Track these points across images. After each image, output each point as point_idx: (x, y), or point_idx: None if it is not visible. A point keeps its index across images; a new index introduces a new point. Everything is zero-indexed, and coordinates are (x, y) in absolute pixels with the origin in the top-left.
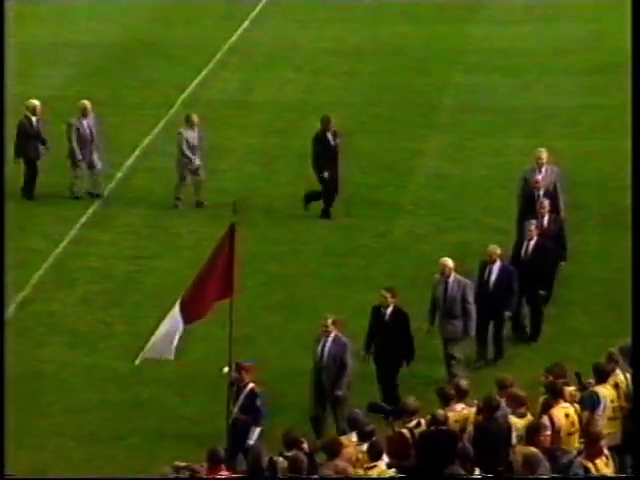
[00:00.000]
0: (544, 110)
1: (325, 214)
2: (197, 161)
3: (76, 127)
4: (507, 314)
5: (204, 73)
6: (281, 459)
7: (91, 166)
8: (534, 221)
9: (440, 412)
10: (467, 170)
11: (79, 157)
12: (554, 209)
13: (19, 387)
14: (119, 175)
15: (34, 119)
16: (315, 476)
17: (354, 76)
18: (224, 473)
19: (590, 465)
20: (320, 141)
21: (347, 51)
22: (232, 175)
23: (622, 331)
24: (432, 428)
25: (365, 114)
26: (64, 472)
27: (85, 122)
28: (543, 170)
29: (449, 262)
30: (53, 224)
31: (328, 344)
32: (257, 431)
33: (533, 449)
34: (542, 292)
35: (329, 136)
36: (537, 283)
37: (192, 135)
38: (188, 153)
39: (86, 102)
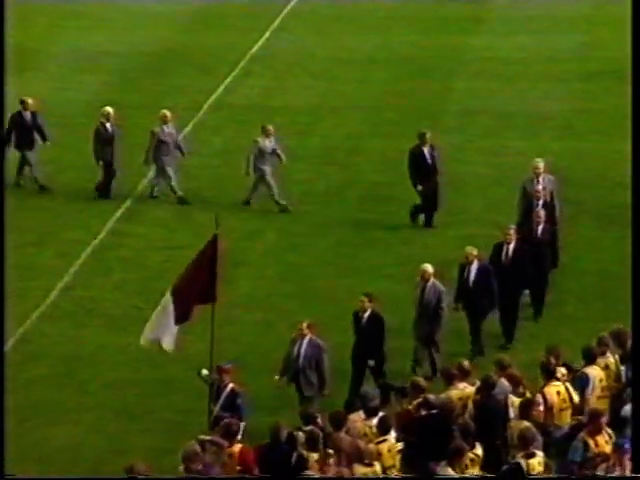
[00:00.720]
0: (540, 114)
1: (428, 224)
2: (267, 168)
3: (158, 135)
4: (486, 313)
5: (229, 80)
6: (300, 433)
7: (163, 172)
8: (513, 226)
9: (430, 396)
10: (469, 169)
11: (152, 162)
12: (549, 219)
13: (60, 366)
14: (151, 173)
15: (108, 125)
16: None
17: (366, 83)
18: (238, 446)
19: (591, 441)
20: (415, 156)
21: (360, 60)
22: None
23: (612, 317)
24: (423, 413)
25: (376, 118)
26: (100, 445)
27: (166, 129)
28: (541, 179)
29: (429, 268)
30: (92, 218)
31: (304, 346)
32: (242, 425)
33: (527, 424)
34: (526, 291)
35: (425, 151)
36: (516, 284)
37: (266, 144)
38: (257, 161)
39: (167, 111)
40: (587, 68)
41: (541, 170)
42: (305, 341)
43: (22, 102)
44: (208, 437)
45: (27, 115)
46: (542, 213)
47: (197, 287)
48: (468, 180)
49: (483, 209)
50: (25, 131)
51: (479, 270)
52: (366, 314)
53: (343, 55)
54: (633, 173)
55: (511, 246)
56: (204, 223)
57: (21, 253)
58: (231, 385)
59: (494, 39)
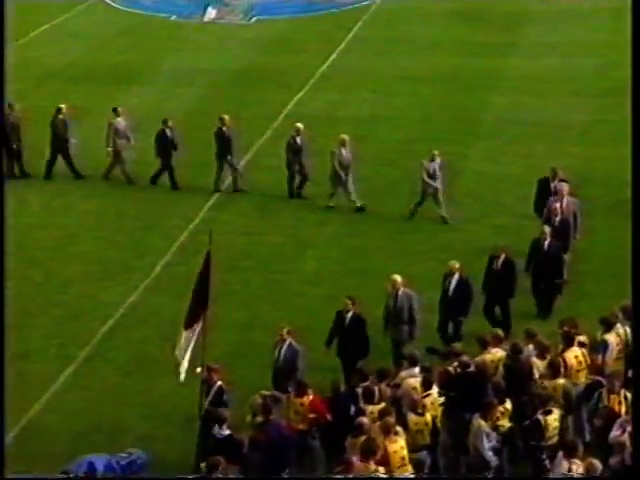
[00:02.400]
0: (562, 124)
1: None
2: (435, 184)
3: (337, 156)
4: (461, 319)
5: (301, 94)
6: (358, 389)
7: (345, 190)
8: (502, 245)
9: (465, 358)
10: (503, 169)
11: (342, 178)
12: (560, 235)
13: (161, 329)
14: (238, 168)
15: (298, 138)
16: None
17: (416, 97)
18: (309, 398)
19: (605, 396)
20: (543, 186)
21: (411, 77)
22: (322, 171)
23: (621, 295)
24: (460, 371)
25: (424, 126)
26: (193, 395)
27: (344, 152)
28: (564, 201)
29: (398, 278)
30: (188, 208)
31: (284, 350)
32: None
33: (548, 385)
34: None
35: (552, 185)
36: (504, 292)
37: (432, 165)
38: (429, 180)
39: (345, 136)
40: (602, 86)
41: (565, 192)
42: (285, 345)
43: (221, 119)
44: (269, 392)
45: (225, 130)
46: (548, 229)
47: (199, 298)
48: (502, 178)
49: (514, 203)
50: (225, 144)
51: (458, 282)
52: (349, 315)
53: (397, 73)
54: (633, 173)
55: (500, 260)
56: (281, 213)
57: (132, 236)
58: (219, 383)
59: (525, 61)
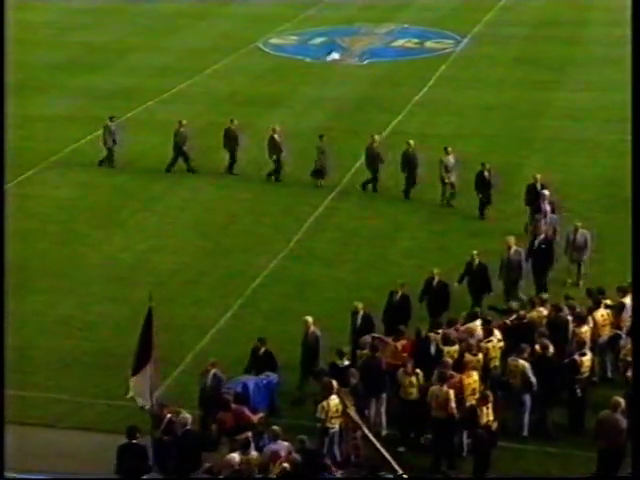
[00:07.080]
0: (596, 142)
1: None
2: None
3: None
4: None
5: (400, 116)
6: (435, 335)
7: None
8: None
9: (521, 312)
10: (550, 175)
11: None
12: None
13: (294, 287)
14: (352, 170)
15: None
16: None
17: (486, 120)
18: (403, 342)
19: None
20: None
21: (482, 106)
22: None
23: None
24: (516, 322)
25: (492, 142)
26: (292, 338)
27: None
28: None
29: (309, 319)
30: (315, 197)
31: (209, 380)
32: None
33: (583, 331)
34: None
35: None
36: (401, 319)
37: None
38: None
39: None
40: (626, 114)
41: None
42: (210, 375)
43: (536, 180)
44: (377, 335)
45: (538, 186)
46: (474, 252)
47: (145, 350)
48: (550, 182)
49: (560, 200)
50: (532, 195)
51: (363, 318)
52: (260, 352)
53: (472, 103)
54: (633, 175)
55: (398, 295)
56: (381, 204)
57: (274, 218)
58: (169, 416)
59: (568, 94)
